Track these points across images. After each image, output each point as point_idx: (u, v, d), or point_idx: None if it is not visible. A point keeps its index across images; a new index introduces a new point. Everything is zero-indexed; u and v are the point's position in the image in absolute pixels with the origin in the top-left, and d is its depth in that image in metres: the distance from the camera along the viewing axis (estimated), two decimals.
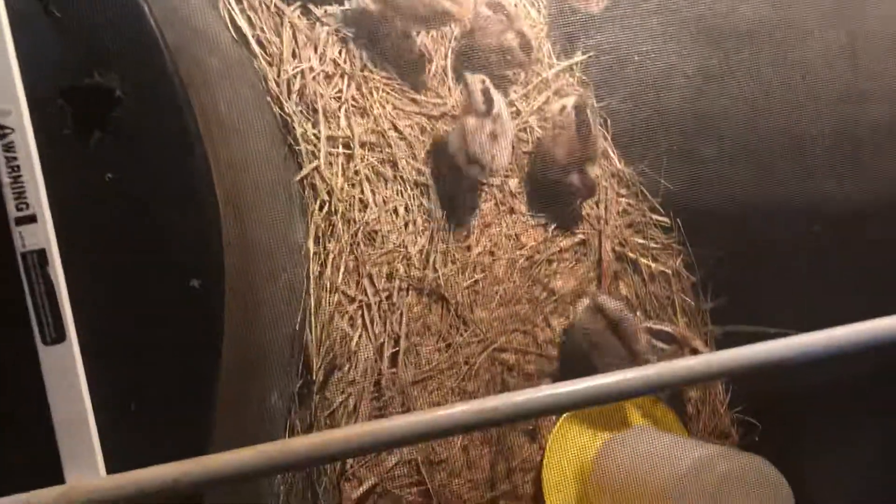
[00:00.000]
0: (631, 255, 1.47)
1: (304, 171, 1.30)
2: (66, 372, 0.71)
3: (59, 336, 0.72)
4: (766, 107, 1.13)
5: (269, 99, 1.27)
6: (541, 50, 1.48)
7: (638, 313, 1.47)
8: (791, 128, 1.11)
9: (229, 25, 1.24)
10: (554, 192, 1.45)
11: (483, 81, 1.32)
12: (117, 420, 0.75)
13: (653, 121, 1.38)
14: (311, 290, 1.30)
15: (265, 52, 1.30)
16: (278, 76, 1.30)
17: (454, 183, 1.37)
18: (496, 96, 1.32)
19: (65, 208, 0.73)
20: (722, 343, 1.48)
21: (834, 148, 1.10)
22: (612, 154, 1.49)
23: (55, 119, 0.74)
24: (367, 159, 1.35)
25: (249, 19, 1.30)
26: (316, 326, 1.29)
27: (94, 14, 0.76)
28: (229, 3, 1.26)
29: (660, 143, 1.35)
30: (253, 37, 1.29)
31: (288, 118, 1.29)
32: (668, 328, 1.35)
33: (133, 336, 0.77)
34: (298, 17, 1.34)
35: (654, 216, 1.47)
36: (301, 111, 1.32)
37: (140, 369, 0.76)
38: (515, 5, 1.38)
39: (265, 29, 1.31)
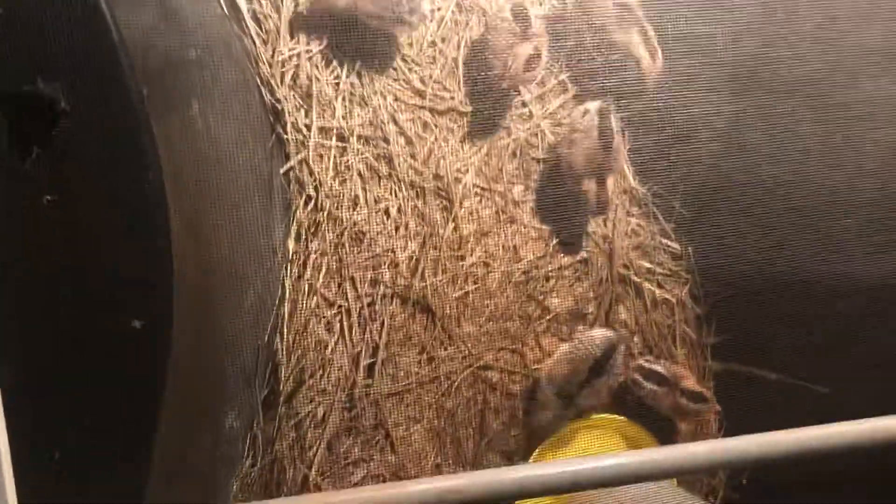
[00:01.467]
0: (636, 278, 1.37)
1: (292, 163, 1.20)
2: None
3: None
4: (803, 160, 1.01)
5: (258, 82, 1.16)
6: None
7: (636, 339, 1.39)
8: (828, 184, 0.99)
9: None
10: (562, 203, 1.35)
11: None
12: (38, 469, 0.67)
13: (676, 141, 1.27)
14: (287, 293, 1.21)
15: (259, 28, 1.19)
16: (272, 56, 1.19)
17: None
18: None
19: None
20: (720, 378, 1.40)
21: (871, 213, 0.99)
22: (626, 169, 1.38)
23: None
24: (362, 154, 1.25)
25: None
26: (288, 332, 1.21)
27: (41, 9, 0.66)
28: None
29: (679, 165, 1.24)
30: (248, 10, 1.18)
31: (278, 104, 1.19)
32: (660, 369, 1.27)
33: (61, 378, 0.68)
34: None
35: (665, 241, 1.37)
36: (294, 96, 1.21)
37: (67, 415, 0.68)
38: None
39: (262, 2, 1.19)
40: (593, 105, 1.32)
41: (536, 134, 1.35)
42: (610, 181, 1.32)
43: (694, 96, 1.15)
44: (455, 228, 1.30)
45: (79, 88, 0.67)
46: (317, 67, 1.22)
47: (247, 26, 1.15)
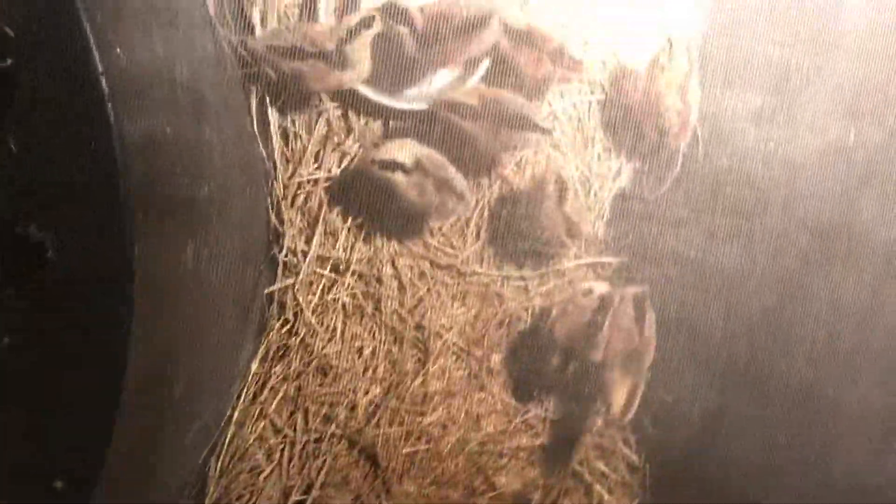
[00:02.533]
0: (588, 477, 1.34)
1: (278, 286, 1.18)
2: None
3: None
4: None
5: (267, 203, 1.15)
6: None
7: None
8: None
9: (254, 111, 1.11)
10: (536, 380, 1.33)
11: None
12: None
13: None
14: (237, 413, 1.18)
15: (286, 146, 1.18)
16: (290, 178, 1.18)
17: None
18: None
19: None
20: None
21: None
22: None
23: None
24: (352, 289, 1.23)
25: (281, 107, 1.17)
26: (227, 451, 1.17)
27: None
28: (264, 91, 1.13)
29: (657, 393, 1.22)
30: (279, 127, 1.17)
31: (281, 226, 1.17)
32: None
33: None
34: (339, 117, 1.21)
35: (626, 449, 1.35)
36: (300, 220, 1.19)
37: None
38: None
39: (296, 121, 1.19)
40: (600, 286, 1.30)
41: (528, 308, 1.33)
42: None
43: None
44: (423, 383, 1.27)
45: (72, 240, 0.65)
46: (331, 196, 1.21)
47: (272, 146, 1.14)
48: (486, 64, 1.20)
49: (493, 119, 1.13)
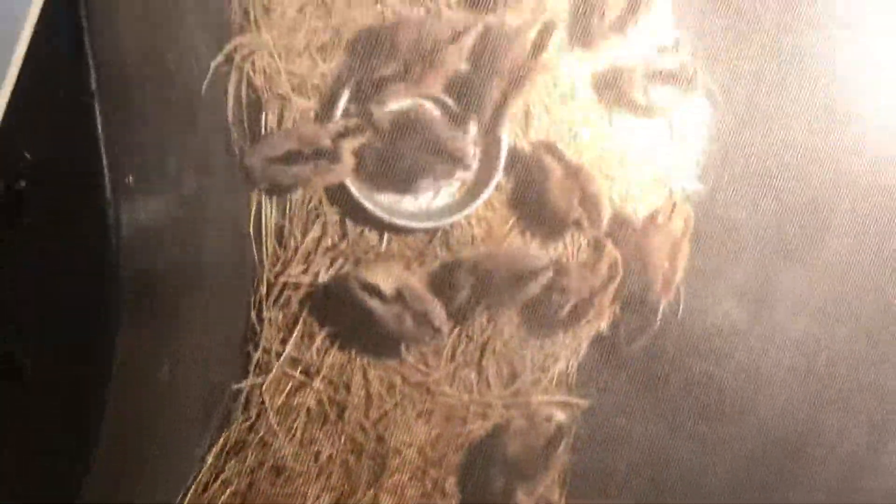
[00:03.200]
0: None
1: (247, 383, 1.18)
2: None
3: None
4: None
5: (249, 301, 1.15)
6: None
7: None
8: None
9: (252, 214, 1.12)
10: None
11: None
12: None
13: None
14: (185, 502, 1.16)
15: (279, 246, 1.19)
16: (276, 277, 1.19)
17: None
18: None
19: None
20: None
21: None
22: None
23: None
24: (319, 394, 1.23)
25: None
26: None
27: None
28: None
29: None
30: (275, 225, 1.19)
31: (259, 325, 1.17)
32: None
33: None
34: (336, 222, 1.23)
35: None
36: (280, 320, 1.20)
37: None
38: None
39: (295, 220, 1.20)
40: (561, 417, 1.31)
41: (485, 412, 1.32)
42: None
43: None
44: (375, 497, 1.27)
45: (44, 365, 0.65)
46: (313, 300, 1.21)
47: (265, 246, 1.15)
48: (491, 188, 1.23)
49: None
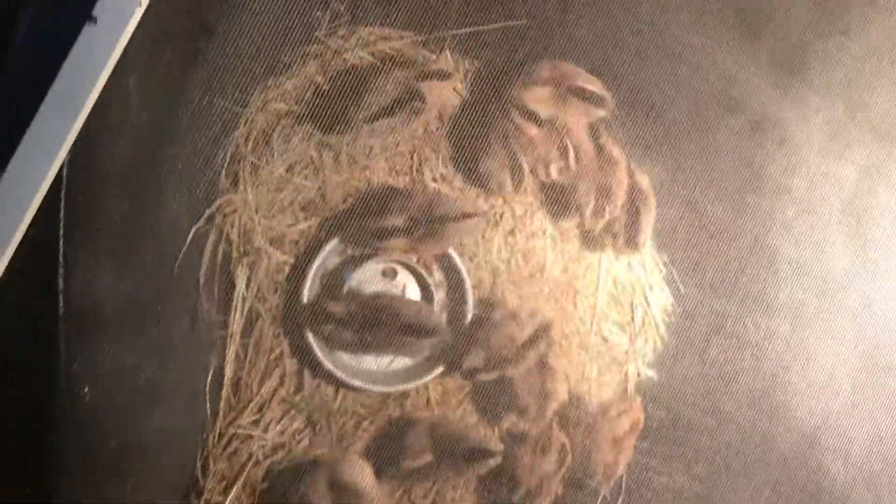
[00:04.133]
0: None
1: None
2: None
3: None
4: None
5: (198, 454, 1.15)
6: None
7: None
8: None
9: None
10: None
11: None
12: None
13: None
14: None
15: (233, 396, 1.20)
16: (227, 425, 1.19)
17: None
18: None
19: None
20: None
21: None
22: None
23: None
24: None
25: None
26: None
27: None
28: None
29: None
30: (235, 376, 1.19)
31: (203, 479, 1.17)
32: None
33: None
34: (293, 373, 1.24)
35: None
36: (225, 470, 1.20)
37: None
38: None
39: (252, 371, 1.21)
40: None
41: None
42: None
43: None
44: None
45: None
46: (262, 451, 1.22)
47: (220, 399, 1.16)
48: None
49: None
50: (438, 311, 1.26)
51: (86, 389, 0.71)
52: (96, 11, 0.66)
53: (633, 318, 1.33)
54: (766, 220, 1.10)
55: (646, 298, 1.33)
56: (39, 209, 0.64)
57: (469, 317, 1.24)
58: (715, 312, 1.18)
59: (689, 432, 1.25)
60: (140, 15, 0.69)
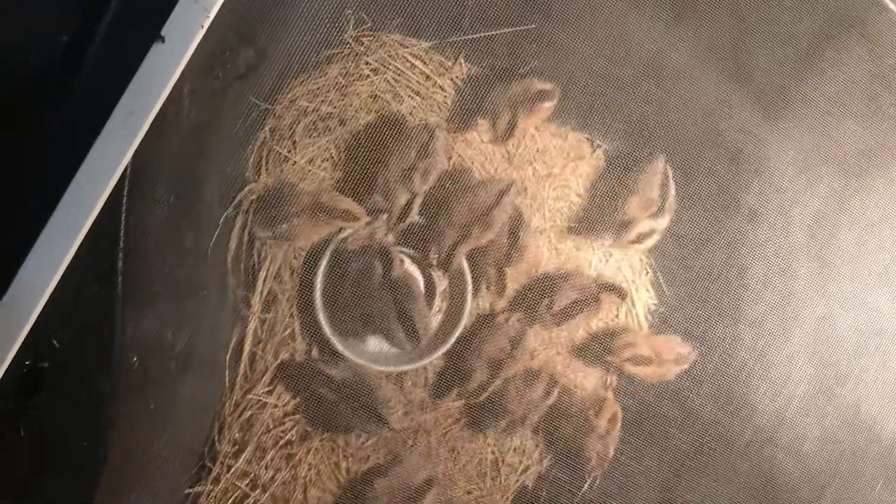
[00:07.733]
0: None
1: (196, 489, 1.29)
2: None
3: None
4: None
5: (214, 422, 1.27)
6: None
7: None
8: None
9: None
10: None
11: None
12: None
13: None
14: None
15: (249, 368, 1.31)
16: (244, 395, 1.30)
17: None
18: None
19: None
20: None
21: None
22: None
23: None
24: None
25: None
26: None
27: None
28: None
29: None
30: (251, 352, 1.30)
31: (219, 444, 1.28)
32: None
33: None
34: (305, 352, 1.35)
35: None
36: (238, 435, 1.31)
37: None
38: None
39: (267, 348, 1.32)
40: None
41: None
42: None
43: None
44: None
45: None
46: (272, 419, 1.33)
47: (237, 372, 1.27)
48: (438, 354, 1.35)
49: None
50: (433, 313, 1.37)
51: (134, 359, 0.82)
52: (165, 31, 0.77)
53: (616, 317, 1.45)
54: (738, 239, 1.23)
55: (631, 299, 1.45)
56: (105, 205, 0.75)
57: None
58: (688, 318, 1.30)
59: (660, 424, 1.36)
60: (203, 34, 0.79)
